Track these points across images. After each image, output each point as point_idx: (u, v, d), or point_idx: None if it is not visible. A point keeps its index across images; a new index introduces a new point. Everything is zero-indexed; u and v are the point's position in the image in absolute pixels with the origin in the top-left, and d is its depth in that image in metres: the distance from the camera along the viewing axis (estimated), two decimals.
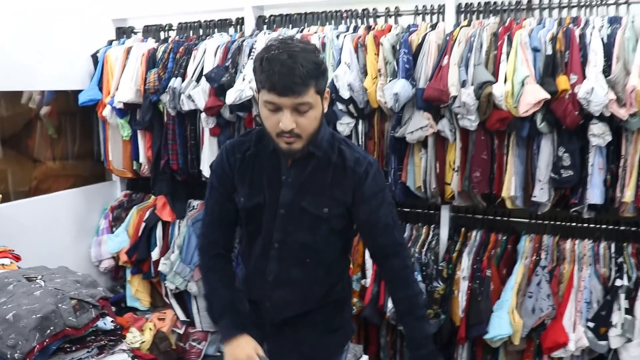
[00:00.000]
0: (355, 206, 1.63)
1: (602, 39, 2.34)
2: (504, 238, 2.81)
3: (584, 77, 2.31)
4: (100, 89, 3.41)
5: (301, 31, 3.03)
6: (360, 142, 2.79)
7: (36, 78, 3.25)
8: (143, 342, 3.12)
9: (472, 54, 2.48)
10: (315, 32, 2.95)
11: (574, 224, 2.70)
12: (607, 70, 2.32)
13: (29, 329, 1.53)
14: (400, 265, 1.68)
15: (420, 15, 2.86)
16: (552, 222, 2.75)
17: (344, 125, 2.74)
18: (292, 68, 1.40)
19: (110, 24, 3.67)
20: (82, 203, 3.58)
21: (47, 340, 1.56)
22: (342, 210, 1.64)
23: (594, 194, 2.41)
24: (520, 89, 2.34)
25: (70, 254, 3.42)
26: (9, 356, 1.47)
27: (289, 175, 1.63)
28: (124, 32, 3.67)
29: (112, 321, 1.83)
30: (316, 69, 1.45)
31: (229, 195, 1.71)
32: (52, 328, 1.57)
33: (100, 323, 1.76)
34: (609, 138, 2.34)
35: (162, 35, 3.54)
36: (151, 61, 3.25)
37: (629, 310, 2.39)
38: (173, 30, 3.52)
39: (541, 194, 2.47)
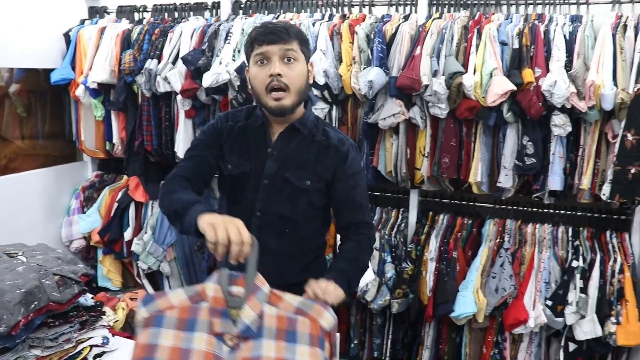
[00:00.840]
0: (334, 183, 1.70)
1: (564, 36, 2.47)
2: (470, 222, 2.94)
3: (548, 71, 2.45)
4: (73, 68, 3.38)
5: (277, 17, 3.07)
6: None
7: (5, 55, 3.20)
8: (117, 321, 3.14)
9: (443, 45, 2.58)
10: (291, 19, 3.00)
11: (535, 209, 2.85)
12: (568, 65, 2.46)
13: (13, 303, 1.54)
14: (366, 236, 1.74)
15: (394, 6, 2.95)
16: (515, 207, 2.90)
17: (319, 111, 2.81)
18: (278, 24, 1.59)
19: (83, 3, 3.63)
20: (52, 183, 3.55)
21: (31, 315, 1.57)
22: (322, 186, 1.71)
23: (555, 181, 2.56)
24: (489, 80, 2.46)
25: (40, 233, 3.40)
26: None
27: (275, 148, 1.70)
28: (96, 12, 3.63)
29: (92, 297, 1.87)
30: (299, 32, 1.60)
31: (213, 152, 1.74)
32: (36, 303, 1.59)
33: (81, 299, 1.79)
34: (569, 129, 2.48)
35: (137, 16, 3.53)
36: (126, 42, 3.25)
37: (583, 290, 2.56)
38: (147, 11, 3.51)
39: (506, 180, 2.60)
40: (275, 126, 1.71)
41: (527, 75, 2.43)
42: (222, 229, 1.26)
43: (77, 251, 3.63)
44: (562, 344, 2.67)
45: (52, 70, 3.41)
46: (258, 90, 1.61)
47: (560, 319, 2.59)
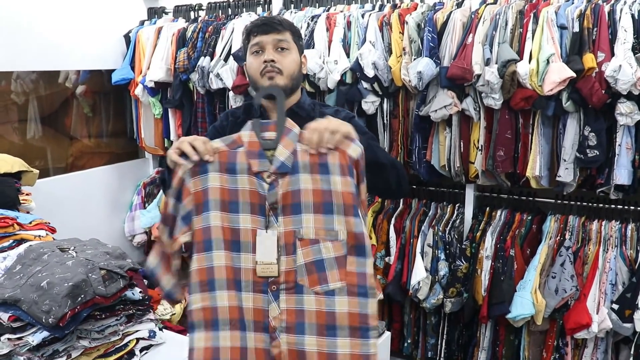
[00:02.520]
0: None
1: (632, 15, 2.28)
2: (529, 218, 2.79)
3: (612, 55, 2.27)
4: (133, 69, 3.50)
5: (327, 10, 3.03)
6: (385, 121, 2.81)
7: (72, 58, 3.36)
8: (174, 314, 3.23)
9: (497, 32, 2.45)
10: (341, 11, 2.95)
11: (600, 204, 2.66)
12: (637, 48, 2.27)
13: (61, 295, 1.60)
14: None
15: None
16: (578, 203, 2.72)
17: (369, 104, 2.75)
18: (271, 17, 1.69)
19: (142, 5, 3.75)
20: (116, 179, 3.70)
21: (78, 307, 1.63)
22: None
23: (621, 175, 2.38)
24: (546, 67, 2.31)
25: (104, 228, 3.56)
26: (43, 320, 1.56)
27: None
28: (155, 12, 3.74)
29: (140, 292, 1.91)
30: (292, 25, 1.67)
31: None
32: (82, 296, 1.64)
33: (128, 293, 1.82)
34: (637, 117, 2.29)
35: (192, 15, 3.60)
36: (181, 41, 3.32)
37: None
38: (203, 10, 3.57)
39: (566, 173, 2.44)
40: (273, 115, 1.67)
41: (589, 60, 2.26)
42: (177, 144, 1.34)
43: (139, 245, 3.76)
44: (632, 351, 2.48)
45: (114, 70, 3.54)
46: (254, 77, 1.64)
47: (628, 325, 2.41)
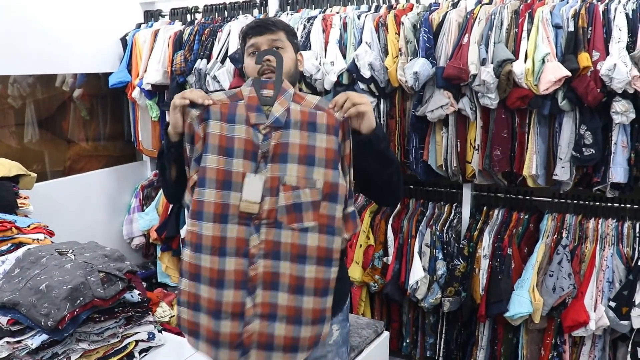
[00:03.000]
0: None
1: (626, 14, 2.29)
2: (526, 217, 2.80)
3: (607, 54, 2.28)
4: (130, 72, 3.50)
5: (324, 11, 3.04)
6: (381, 121, 2.81)
7: (69, 61, 3.37)
8: (172, 316, 3.23)
9: (492, 32, 2.46)
10: (337, 12, 2.96)
11: (597, 203, 2.67)
12: (631, 47, 2.28)
13: (60, 298, 1.61)
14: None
15: None
16: (575, 201, 2.73)
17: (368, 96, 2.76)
18: (265, 18, 1.78)
19: (139, 8, 3.76)
20: (114, 182, 3.70)
21: (77, 310, 1.64)
22: None
23: (617, 173, 2.39)
24: (541, 66, 2.32)
25: (102, 231, 3.56)
26: (42, 323, 1.56)
27: None
28: (151, 15, 3.75)
29: (139, 294, 1.91)
30: (286, 25, 1.73)
31: None
32: (81, 299, 1.65)
33: (127, 295, 1.83)
34: (632, 116, 2.31)
35: (189, 17, 3.61)
36: (178, 43, 3.33)
37: None
38: (199, 12, 3.58)
39: (562, 172, 2.45)
40: None
41: (584, 59, 2.27)
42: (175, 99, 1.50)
43: (137, 248, 3.77)
44: (630, 349, 2.49)
45: (111, 74, 3.54)
46: (251, 76, 1.67)
47: (625, 322, 2.41)
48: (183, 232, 3.48)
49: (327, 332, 1.54)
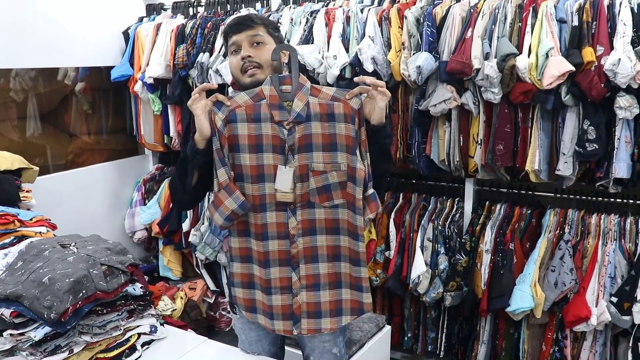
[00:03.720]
0: None
1: (632, 9, 2.28)
2: (529, 212, 2.80)
3: (612, 49, 2.27)
4: (132, 65, 3.50)
5: (326, 5, 3.03)
6: (389, 118, 2.80)
7: (71, 55, 3.36)
8: (174, 310, 3.24)
9: (496, 26, 2.45)
10: (340, 6, 2.95)
11: (600, 198, 2.67)
12: (636, 41, 2.27)
13: (63, 291, 1.60)
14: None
15: None
16: (578, 197, 2.72)
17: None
18: (244, 15, 1.79)
19: (141, 1, 3.75)
20: (116, 176, 3.71)
21: (79, 303, 1.64)
22: None
23: (620, 168, 2.38)
24: (545, 61, 2.31)
25: (105, 224, 3.57)
26: (45, 316, 1.56)
27: None
28: (153, 9, 3.74)
29: (141, 287, 1.91)
30: (265, 18, 1.79)
31: None
32: (84, 291, 1.65)
33: (129, 288, 1.83)
34: (636, 111, 2.30)
35: (191, 11, 3.60)
36: (180, 37, 3.32)
37: None
38: (201, 6, 3.57)
39: (565, 167, 2.45)
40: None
41: (588, 54, 2.26)
42: (197, 107, 1.63)
43: (139, 242, 3.77)
44: (631, 344, 2.49)
45: (113, 67, 3.54)
46: (236, 75, 1.74)
47: (627, 317, 2.41)
48: (185, 226, 3.49)
49: (370, 303, 1.71)
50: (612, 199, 2.64)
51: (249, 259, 1.70)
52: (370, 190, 1.65)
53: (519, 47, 2.40)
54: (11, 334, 1.59)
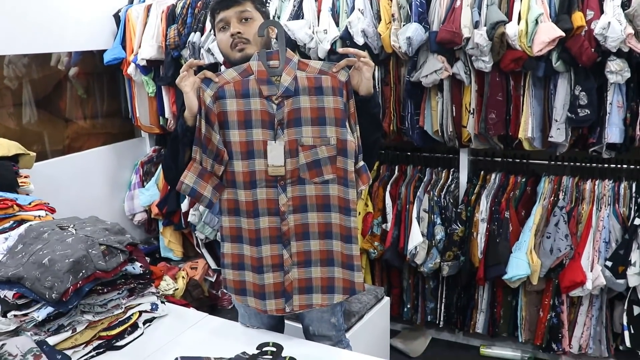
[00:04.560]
0: None
1: None
2: (523, 180, 2.82)
3: (602, 13, 2.26)
4: (124, 48, 3.48)
5: None
6: (376, 88, 2.81)
7: (63, 40, 3.34)
8: (177, 289, 3.28)
9: None
10: None
11: (594, 164, 2.68)
12: (627, 4, 2.26)
13: (63, 271, 1.63)
14: None
15: None
16: (572, 164, 2.74)
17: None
18: None
19: None
20: (114, 159, 3.72)
21: (80, 282, 1.66)
22: None
23: (613, 133, 2.39)
24: (534, 27, 2.31)
25: (104, 208, 3.59)
26: (47, 296, 1.59)
27: None
28: None
29: (140, 266, 1.94)
30: None
31: None
32: (83, 271, 1.67)
33: (129, 267, 1.85)
34: (627, 75, 2.30)
35: None
36: (171, 17, 3.30)
37: None
38: None
39: (558, 134, 2.46)
40: None
41: (578, 19, 2.26)
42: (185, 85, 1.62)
43: (139, 224, 3.80)
44: (626, 307, 2.53)
45: (106, 51, 3.53)
46: (225, 51, 1.77)
47: (621, 281, 2.45)
48: (184, 206, 3.51)
49: (361, 283, 1.70)
50: (605, 165, 2.66)
51: (240, 238, 1.70)
52: (361, 163, 1.66)
53: (509, 15, 2.39)
54: (15, 315, 1.62)
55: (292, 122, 1.63)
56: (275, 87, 1.62)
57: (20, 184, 2.50)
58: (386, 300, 2.74)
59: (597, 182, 2.64)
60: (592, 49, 2.26)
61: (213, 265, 3.60)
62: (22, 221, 2.13)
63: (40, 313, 1.62)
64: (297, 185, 1.66)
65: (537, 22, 2.30)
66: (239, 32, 1.70)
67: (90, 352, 1.67)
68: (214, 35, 3.01)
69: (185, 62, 3.18)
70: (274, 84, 1.62)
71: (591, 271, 2.51)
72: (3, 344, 1.53)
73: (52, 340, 1.60)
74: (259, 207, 1.66)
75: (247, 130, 1.63)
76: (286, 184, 1.66)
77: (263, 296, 1.71)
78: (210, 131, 1.63)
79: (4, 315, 1.64)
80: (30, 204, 2.25)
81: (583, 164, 2.71)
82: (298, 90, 1.62)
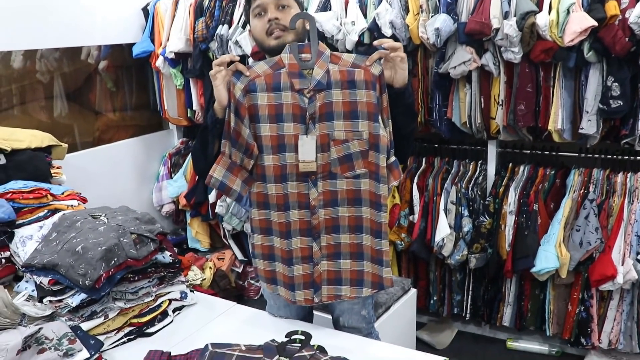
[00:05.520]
0: None
1: None
2: (552, 172, 2.78)
3: (637, 1, 2.21)
4: (152, 41, 3.53)
5: None
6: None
7: (93, 34, 3.40)
8: (204, 279, 3.31)
9: None
10: None
11: (625, 157, 2.63)
12: None
13: (95, 259, 1.67)
14: None
15: None
16: (602, 156, 2.69)
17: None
18: None
19: None
20: (142, 151, 3.78)
21: (112, 270, 1.70)
22: None
23: None
24: (566, 17, 2.27)
25: (133, 199, 3.65)
26: (80, 283, 1.63)
27: None
28: None
29: (170, 255, 1.97)
30: None
31: None
32: (115, 259, 1.71)
33: (159, 256, 1.89)
34: None
35: None
36: (199, 10, 3.33)
37: None
38: None
39: (589, 125, 2.42)
40: None
41: (611, 7, 2.21)
42: (217, 77, 1.62)
43: (167, 215, 3.85)
44: None
45: (135, 44, 3.58)
46: (260, 38, 1.74)
47: None
48: (212, 198, 3.55)
49: (390, 278, 1.69)
50: (638, 157, 2.60)
51: (269, 230, 1.70)
52: (393, 158, 1.63)
53: (539, 4, 2.36)
54: (50, 301, 1.67)
55: (324, 116, 1.60)
56: (307, 81, 1.58)
57: (53, 175, 2.56)
58: (413, 292, 2.74)
59: (629, 175, 2.58)
60: (626, 39, 2.21)
61: (240, 256, 3.64)
62: (55, 210, 2.18)
63: (74, 299, 1.66)
64: (328, 179, 1.64)
65: (568, 12, 2.26)
66: (276, 18, 1.68)
67: (121, 338, 1.70)
68: (243, 25, 3.02)
69: (212, 55, 3.27)
70: (306, 77, 1.58)
71: (622, 265, 2.47)
72: (40, 328, 1.57)
73: (85, 326, 1.63)
74: (290, 201, 1.65)
75: (278, 124, 1.61)
76: (317, 179, 1.64)
77: (292, 287, 1.71)
78: (240, 125, 1.61)
79: (40, 301, 1.69)
80: (63, 193, 2.30)
81: (614, 156, 2.66)
82: (330, 84, 1.58)
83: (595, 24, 2.22)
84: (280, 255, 1.70)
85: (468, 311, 3.00)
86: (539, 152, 2.85)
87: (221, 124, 1.66)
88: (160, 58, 3.45)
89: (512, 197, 2.70)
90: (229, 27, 3.15)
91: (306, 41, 1.70)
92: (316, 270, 1.70)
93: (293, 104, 1.59)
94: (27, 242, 1.96)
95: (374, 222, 1.64)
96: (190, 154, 3.75)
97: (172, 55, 3.37)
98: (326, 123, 1.60)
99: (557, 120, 2.47)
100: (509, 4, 2.39)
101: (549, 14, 2.30)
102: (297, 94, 1.59)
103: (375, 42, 1.63)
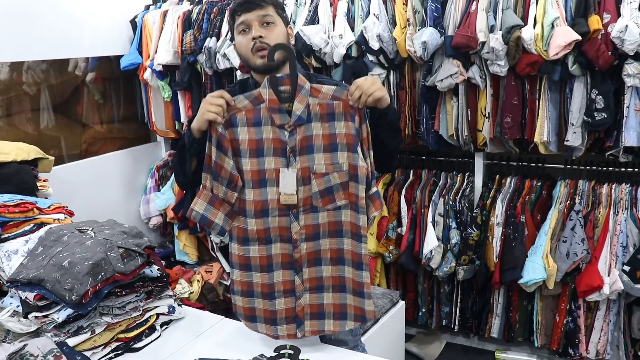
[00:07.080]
0: None
1: None
2: (539, 184, 2.81)
3: (619, 16, 2.25)
4: (140, 53, 3.52)
5: None
6: (392, 93, 2.82)
7: (80, 46, 3.38)
8: (192, 292, 3.29)
9: None
10: None
11: (610, 168, 2.66)
12: None
13: (82, 274, 1.65)
14: None
15: None
16: (588, 167, 2.72)
17: (376, 77, 2.76)
18: None
19: None
20: (130, 164, 3.75)
21: (99, 285, 1.68)
22: None
23: (630, 137, 2.38)
24: (550, 31, 2.30)
25: (120, 212, 3.62)
26: (67, 298, 1.61)
27: None
28: None
29: (157, 269, 1.96)
30: None
31: None
32: (102, 274, 1.69)
33: (147, 270, 1.87)
34: None
35: None
36: (187, 23, 3.34)
37: None
38: None
39: (574, 137, 2.45)
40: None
41: (594, 22, 2.25)
42: (205, 106, 1.58)
43: (155, 227, 3.83)
44: None
45: (122, 56, 3.57)
46: (245, 55, 1.74)
47: (639, 286, 2.42)
48: None
49: (372, 311, 1.66)
50: (622, 169, 2.64)
51: (248, 267, 1.66)
52: (374, 189, 1.62)
53: (524, 19, 2.39)
54: (36, 316, 1.65)
55: (305, 150, 1.60)
56: (287, 115, 1.58)
57: (39, 188, 2.53)
58: (401, 304, 2.74)
59: (614, 186, 2.62)
60: (609, 52, 2.25)
61: (228, 269, 3.62)
62: (42, 224, 2.16)
63: (61, 314, 1.63)
64: (310, 213, 1.62)
65: (553, 26, 2.30)
66: (260, 36, 1.68)
67: (108, 353, 1.68)
68: (231, 39, 3.02)
69: (201, 67, 3.27)
70: (286, 112, 1.58)
71: (608, 275, 2.49)
72: (25, 345, 1.54)
73: (71, 342, 1.61)
74: (271, 235, 1.64)
75: (259, 158, 1.60)
76: (299, 212, 1.62)
77: (275, 322, 1.68)
78: (223, 157, 1.60)
79: (25, 317, 1.66)
80: (49, 207, 2.28)
81: (599, 168, 2.69)
82: (310, 117, 1.58)
83: (579, 38, 2.26)
84: (261, 291, 1.67)
85: (456, 323, 3.00)
86: (526, 164, 2.89)
87: (198, 143, 1.64)
88: (148, 70, 3.45)
89: (500, 209, 2.72)
90: (217, 40, 3.16)
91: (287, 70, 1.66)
92: (299, 304, 1.67)
93: (274, 138, 1.59)
94: (12, 257, 1.93)
95: (355, 253, 1.63)
96: None
97: (160, 68, 3.37)
98: (307, 156, 1.60)
99: (542, 132, 2.50)
100: (495, 18, 2.43)
101: (534, 28, 2.34)
102: (278, 129, 1.59)
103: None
